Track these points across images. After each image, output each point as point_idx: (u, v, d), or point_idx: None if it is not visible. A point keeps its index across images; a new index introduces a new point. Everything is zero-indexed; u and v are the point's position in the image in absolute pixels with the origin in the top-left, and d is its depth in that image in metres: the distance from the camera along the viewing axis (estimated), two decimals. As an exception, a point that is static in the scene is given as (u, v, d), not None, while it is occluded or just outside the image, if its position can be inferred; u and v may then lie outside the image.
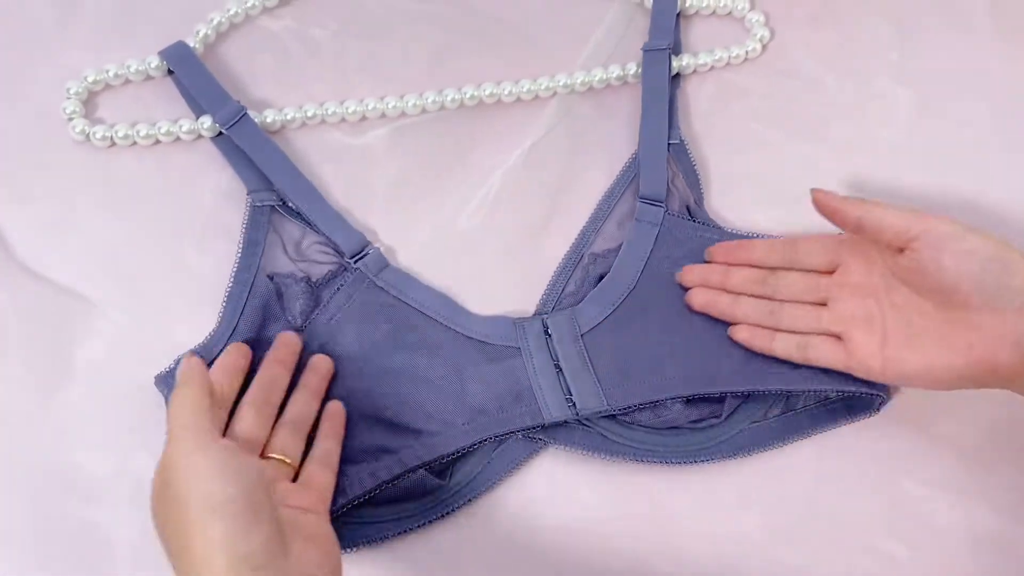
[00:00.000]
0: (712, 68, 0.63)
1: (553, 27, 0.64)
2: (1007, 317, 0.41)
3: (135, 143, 0.58)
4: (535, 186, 0.59)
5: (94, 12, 0.62)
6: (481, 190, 0.58)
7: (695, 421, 0.50)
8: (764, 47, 0.64)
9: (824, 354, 0.48)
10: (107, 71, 0.59)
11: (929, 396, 0.49)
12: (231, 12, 0.61)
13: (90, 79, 0.58)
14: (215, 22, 0.61)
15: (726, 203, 0.58)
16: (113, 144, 0.58)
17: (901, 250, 0.45)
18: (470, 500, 0.49)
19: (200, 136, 0.58)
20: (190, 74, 0.59)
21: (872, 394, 0.49)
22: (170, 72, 0.60)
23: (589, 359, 0.50)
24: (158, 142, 0.58)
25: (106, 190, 0.57)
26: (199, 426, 0.40)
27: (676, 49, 0.63)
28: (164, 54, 0.59)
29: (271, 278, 0.52)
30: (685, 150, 0.58)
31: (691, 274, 0.52)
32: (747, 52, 0.63)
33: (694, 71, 0.63)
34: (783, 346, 0.49)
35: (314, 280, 0.53)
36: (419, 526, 0.48)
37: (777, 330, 0.50)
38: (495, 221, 0.57)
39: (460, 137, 0.60)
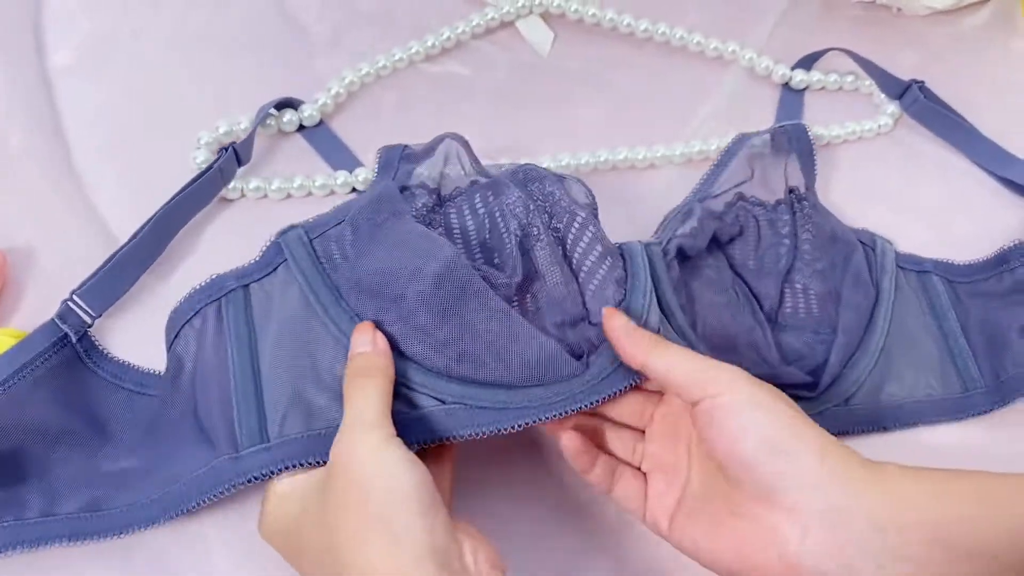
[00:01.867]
0: (844, 142, 0.62)
1: (665, 93, 0.64)
2: (776, 514, 0.35)
3: (266, 196, 0.56)
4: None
5: (222, 76, 0.62)
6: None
7: (787, 387, 0.44)
8: (895, 122, 0.63)
9: (627, 490, 0.43)
10: (239, 123, 0.57)
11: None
12: (347, 80, 0.61)
13: (221, 130, 0.57)
14: (333, 91, 0.60)
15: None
16: (243, 196, 0.56)
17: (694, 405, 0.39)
18: (608, 395, 0.42)
19: (333, 192, 0.57)
20: (322, 136, 0.59)
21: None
22: (301, 128, 0.59)
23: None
24: (289, 196, 0.57)
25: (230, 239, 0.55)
26: (384, 424, 0.38)
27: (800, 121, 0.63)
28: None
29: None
30: (806, 132, 0.58)
31: None
32: (879, 127, 0.63)
33: (827, 143, 0.62)
34: (598, 471, 0.43)
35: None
36: (555, 416, 0.41)
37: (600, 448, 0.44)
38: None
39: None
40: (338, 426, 0.39)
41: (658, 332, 0.43)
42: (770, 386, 0.39)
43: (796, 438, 0.36)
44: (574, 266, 0.45)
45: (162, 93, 0.60)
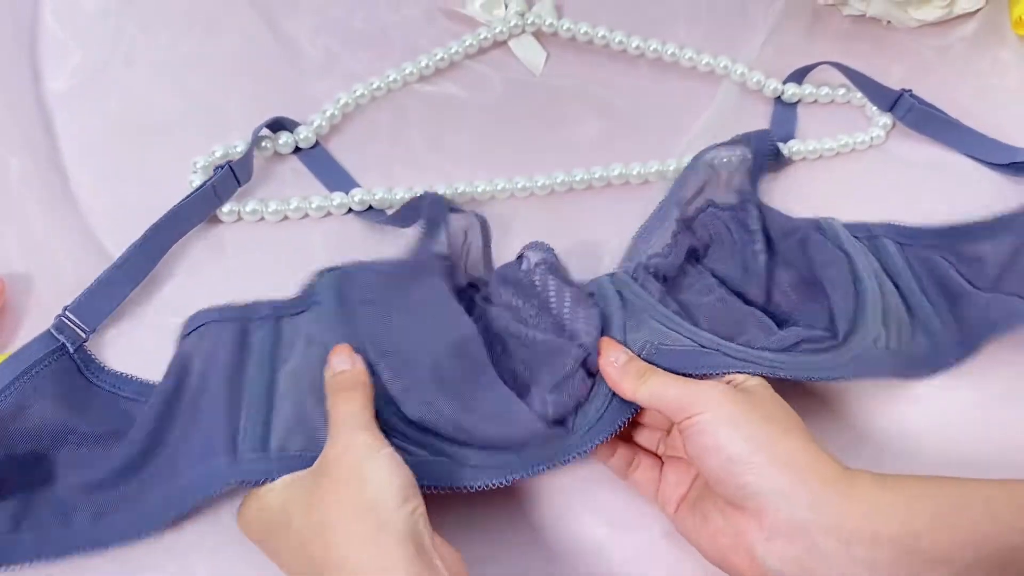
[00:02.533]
0: (838, 154, 0.63)
1: (658, 109, 0.64)
2: (745, 519, 0.39)
3: (263, 219, 0.57)
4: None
5: (217, 101, 0.62)
6: (589, 272, 0.56)
7: (811, 341, 0.47)
8: (887, 134, 0.64)
9: (642, 479, 0.46)
10: (235, 147, 0.58)
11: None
12: (342, 102, 0.61)
13: (217, 154, 0.57)
14: (328, 113, 0.61)
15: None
16: (240, 219, 0.57)
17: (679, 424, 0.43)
18: (596, 444, 0.45)
19: (329, 213, 0.57)
20: (317, 157, 0.59)
21: None
22: (297, 150, 0.60)
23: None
24: (286, 218, 0.57)
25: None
26: (375, 429, 0.41)
27: (792, 135, 0.63)
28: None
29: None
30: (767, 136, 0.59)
31: None
32: (872, 139, 0.63)
33: (820, 156, 0.62)
34: (617, 460, 0.47)
35: None
36: (544, 470, 0.44)
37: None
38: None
39: (571, 218, 0.59)
40: None
41: (645, 348, 0.46)
42: (752, 400, 0.41)
43: (764, 451, 0.39)
44: (554, 317, 0.48)
45: (157, 118, 0.60)
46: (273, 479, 0.41)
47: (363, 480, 0.38)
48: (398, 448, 0.41)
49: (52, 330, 0.48)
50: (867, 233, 0.56)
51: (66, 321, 0.49)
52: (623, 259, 0.54)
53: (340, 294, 0.48)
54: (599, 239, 0.58)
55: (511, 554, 0.46)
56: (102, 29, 0.64)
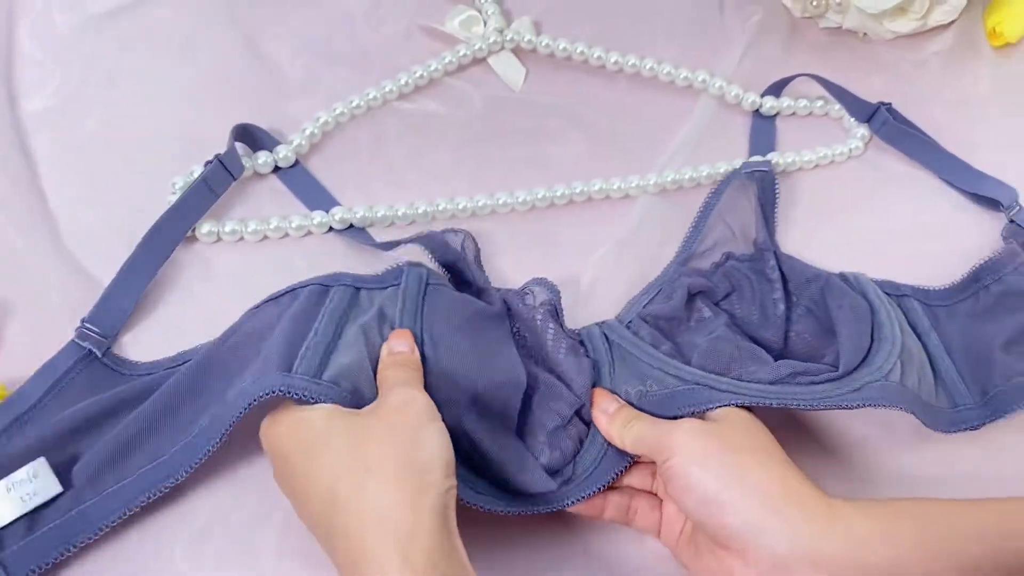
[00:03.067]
0: (817, 166, 0.63)
1: (637, 123, 0.65)
2: (732, 561, 0.39)
3: (242, 239, 0.56)
4: (623, 284, 0.57)
5: (196, 120, 0.62)
6: (571, 288, 0.56)
7: (806, 374, 0.47)
8: (865, 145, 0.64)
9: (645, 521, 0.46)
10: (214, 167, 0.57)
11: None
12: (321, 121, 0.61)
13: (196, 174, 0.57)
14: (308, 132, 0.60)
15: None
16: (219, 239, 0.56)
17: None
18: (592, 493, 0.45)
19: (310, 232, 0.57)
20: (297, 176, 0.59)
21: None
22: (276, 169, 0.59)
23: None
24: (266, 238, 0.57)
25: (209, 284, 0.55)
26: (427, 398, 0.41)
27: (772, 147, 0.63)
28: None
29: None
30: (773, 181, 0.59)
31: None
32: (850, 150, 0.63)
33: (799, 168, 0.63)
34: (611, 511, 0.46)
35: None
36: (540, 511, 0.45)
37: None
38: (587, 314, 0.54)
39: (553, 234, 0.60)
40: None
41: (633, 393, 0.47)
42: (721, 431, 0.42)
43: (736, 487, 0.39)
44: (551, 362, 0.49)
45: (136, 138, 0.60)
46: (317, 399, 0.41)
47: (417, 441, 0.38)
48: None
49: (76, 340, 0.49)
50: (896, 291, 0.56)
51: (86, 331, 0.50)
52: (622, 311, 0.54)
53: (422, 288, 0.49)
54: (580, 255, 0.58)
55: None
56: (79, 49, 0.64)
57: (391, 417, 0.39)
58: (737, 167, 0.61)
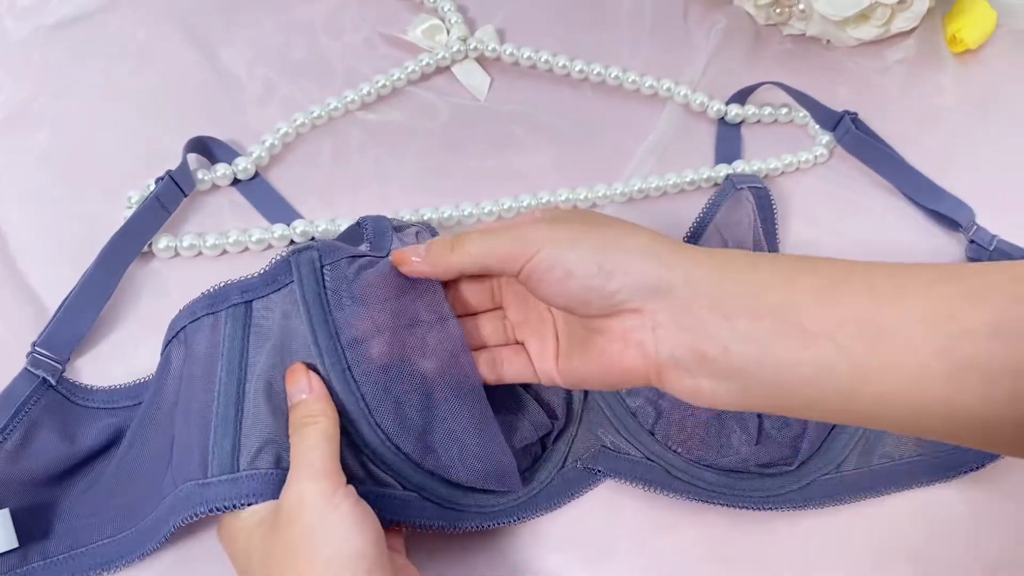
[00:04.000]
0: (783, 173, 0.63)
1: (602, 132, 0.64)
2: (626, 320, 0.37)
3: (200, 253, 0.55)
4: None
5: (152, 133, 0.60)
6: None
7: (763, 465, 0.47)
8: (831, 152, 0.64)
9: (515, 368, 0.44)
10: (171, 180, 0.56)
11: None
12: (281, 131, 0.60)
13: (152, 187, 0.55)
14: (268, 143, 0.59)
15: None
16: (177, 255, 0.55)
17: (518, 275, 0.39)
18: (535, 514, 0.47)
19: (270, 246, 0.56)
20: (257, 189, 0.58)
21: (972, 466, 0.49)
22: (236, 182, 0.58)
23: None
24: (225, 252, 0.55)
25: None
26: (333, 472, 0.38)
27: (738, 155, 0.63)
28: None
29: None
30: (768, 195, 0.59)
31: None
32: (815, 157, 0.63)
33: (765, 175, 0.63)
34: (483, 371, 0.43)
35: None
36: (491, 526, 0.44)
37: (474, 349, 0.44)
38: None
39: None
40: None
41: (592, 450, 0.49)
42: (575, 220, 0.39)
43: (618, 253, 0.37)
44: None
45: (90, 152, 0.59)
46: (243, 504, 0.38)
47: (314, 545, 0.36)
48: (371, 478, 0.41)
49: (28, 367, 0.47)
50: None
51: (38, 356, 0.48)
52: None
53: (319, 277, 0.43)
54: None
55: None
56: (29, 60, 0.62)
57: (288, 524, 0.37)
58: (721, 178, 0.61)
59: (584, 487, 0.48)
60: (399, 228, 0.49)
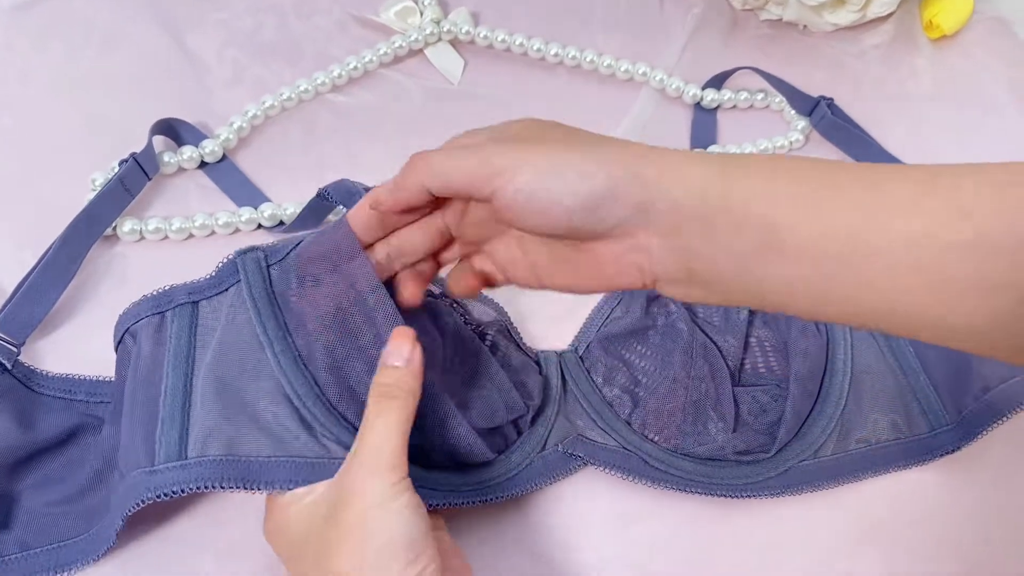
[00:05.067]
0: (758, 158, 0.63)
1: (577, 116, 0.63)
2: (618, 243, 0.35)
3: (167, 237, 0.54)
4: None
5: (118, 116, 0.59)
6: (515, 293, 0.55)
7: (741, 453, 0.47)
8: (806, 137, 0.64)
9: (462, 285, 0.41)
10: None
11: None
12: (250, 114, 0.59)
13: (116, 170, 0.54)
14: (235, 125, 0.58)
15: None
16: (142, 239, 0.54)
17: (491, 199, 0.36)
18: (511, 494, 0.45)
19: (238, 230, 0.55)
20: (225, 172, 0.57)
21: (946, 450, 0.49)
22: (203, 164, 0.57)
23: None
24: (192, 236, 0.54)
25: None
26: (399, 464, 0.36)
27: (713, 140, 0.63)
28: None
29: None
30: None
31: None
32: (791, 143, 0.63)
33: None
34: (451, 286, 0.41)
35: None
36: (460, 504, 0.43)
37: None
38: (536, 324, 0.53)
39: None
40: (265, 457, 0.38)
41: (570, 437, 0.47)
42: (548, 137, 0.36)
43: (607, 178, 0.34)
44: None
45: (54, 137, 0.57)
46: (193, 488, 0.37)
47: (368, 533, 0.35)
48: (326, 450, 0.39)
49: None
50: None
51: None
52: (579, 331, 0.52)
53: (266, 276, 0.42)
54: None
55: None
56: (-9, 43, 0.60)
57: (344, 510, 0.36)
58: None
59: (564, 472, 0.47)
60: (368, 189, 0.48)
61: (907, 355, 0.53)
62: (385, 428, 0.37)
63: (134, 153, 0.53)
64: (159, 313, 0.43)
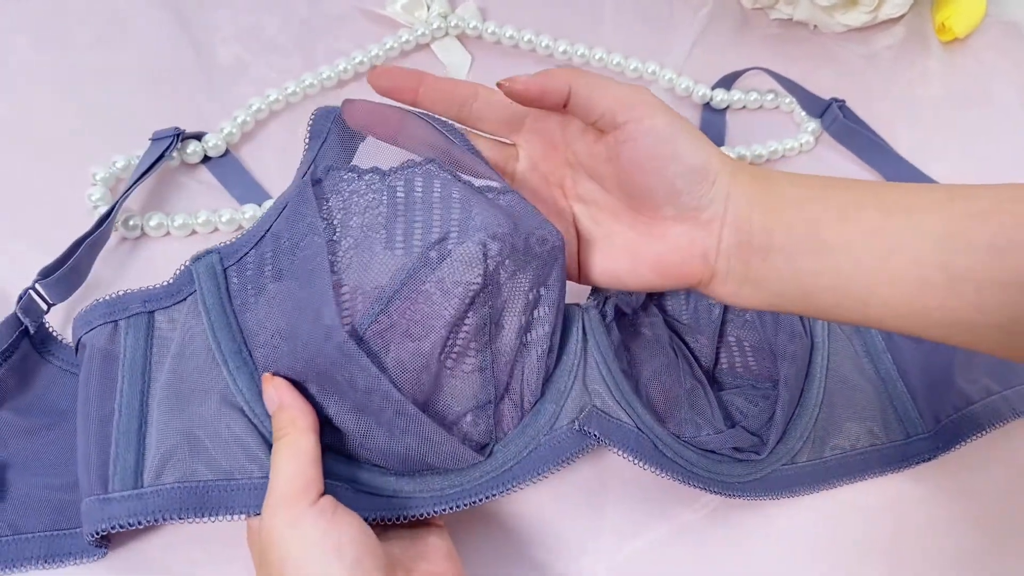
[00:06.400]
0: (768, 160, 0.62)
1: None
2: (695, 230, 0.38)
3: (168, 234, 0.53)
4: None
5: (121, 109, 0.58)
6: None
7: (736, 450, 0.46)
8: (816, 140, 0.63)
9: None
10: (137, 156, 0.54)
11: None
12: (254, 108, 0.58)
13: (119, 165, 0.53)
14: (239, 120, 0.57)
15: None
16: (143, 235, 0.53)
17: (603, 132, 0.39)
18: (511, 488, 0.41)
19: (241, 228, 0.54)
20: (228, 167, 0.56)
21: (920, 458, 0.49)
22: (206, 159, 0.56)
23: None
24: (194, 232, 0.53)
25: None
26: (298, 493, 0.35)
27: (722, 141, 0.62)
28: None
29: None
30: None
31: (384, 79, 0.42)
32: (801, 145, 0.62)
33: (749, 163, 0.61)
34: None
35: None
36: (450, 510, 0.40)
37: None
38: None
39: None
40: (224, 480, 0.37)
41: (586, 411, 0.42)
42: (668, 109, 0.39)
43: (716, 160, 0.37)
44: (500, 342, 0.41)
45: (53, 130, 0.56)
46: (148, 521, 0.37)
47: (295, 568, 0.34)
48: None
49: (19, 312, 0.45)
50: None
51: (33, 295, 0.45)
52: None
53: (222, 282, 0.41)
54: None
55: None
56: (-10, 32, 0.59)
57: (269, 559, 0.35)
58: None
59: (575, 453, 0.42)
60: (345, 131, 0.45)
61: (884, 361, 0.52)
62: (276, 468, 0.36)
63: (180, 131, 0.53)
64: (112, 322, 0.42)
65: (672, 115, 0.38)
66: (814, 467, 0.48)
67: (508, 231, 0.38)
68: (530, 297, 0.40)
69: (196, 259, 0.42)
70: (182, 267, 0.42)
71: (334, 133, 0.44)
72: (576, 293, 0.45)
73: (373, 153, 0.43)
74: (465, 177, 0.41)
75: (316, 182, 0.41)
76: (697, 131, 0.38)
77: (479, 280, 0.38)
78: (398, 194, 0.40)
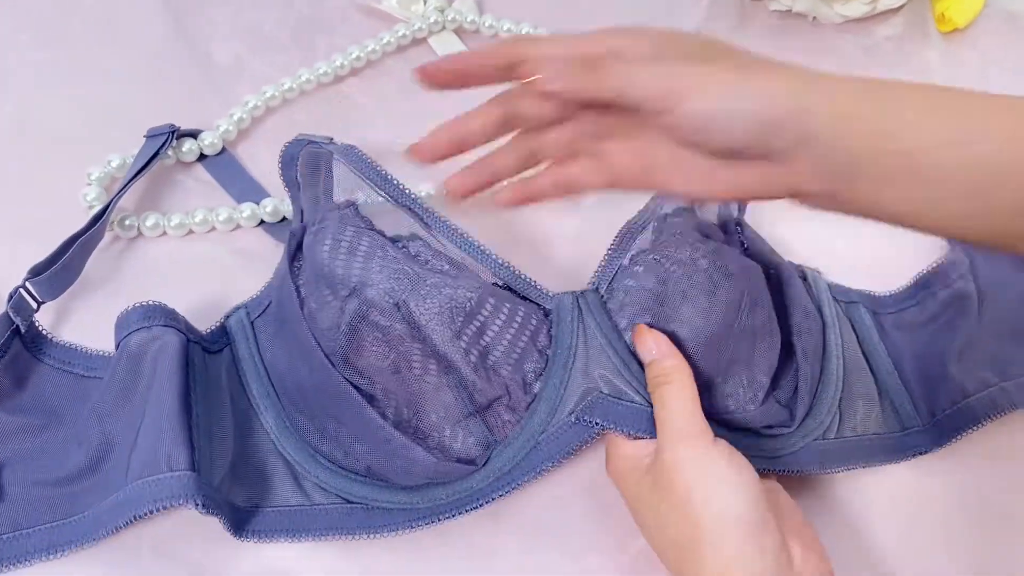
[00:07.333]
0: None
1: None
2: (767, 167, 0.37)
3: (165, 233, 0.52)
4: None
5: (116, 108, 0.57)
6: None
7: (766, 427, 0.45)
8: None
9: (587, 174, 0.41)
10: (133, 155, 0.53)
11: None
12: (251, 105, 0.57)
13: (114, 164, 0.53)
14: (236, 117, 0.57)
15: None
16: (139, 235, 0.52)
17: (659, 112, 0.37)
18: (511, 489, 0.43)
19: (239, 226, 0.53)
20: (224, 165, 0.56)
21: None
22: (202, 157, 0.55)
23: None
24: (191, 232, 0.53)
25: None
26: (700, 431, 0.39)
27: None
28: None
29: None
30: None
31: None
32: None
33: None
34: (543, 182, 0.41)
35: None
36: (450, 517, 0.43)
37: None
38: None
39: (500, 222, 0.57)
40: (258, 506, 0.42)
41: (588, 399, 0.43)
42: (719, 54, 0.38)
43: (777, 108, 0.35)
44: (487, 346, 0.43)
45: (49, 129, 0.56)
46: (205, 507, 0.38)
47: (699, 514, 0.37)
48: (310, 496, 0.43)
49: (10, 311, 0.45)
50: (846, 297, 0.53)
51: (24, 294, 0.45)
52: (600, 266, 0.47)
53: (251, 334, 0.46)
54: (532, 243, 0.55)
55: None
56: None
57: (670, 494, 0.39)
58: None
59: (578, 445, 0.43)
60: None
61: (879, 353, 0.52)
62: (669, 409, 0.40)
63: (175, 129, 0.53)
64: (174, 329, 0.44)
65: (717, 83, 0.36)
66: (842, 444, 0.47)
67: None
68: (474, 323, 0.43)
69: (228, 316, 0.47)
70: (217, 323, 0.47)
71: (304, 174, 0.49)
72: (572, 282, 0.45)
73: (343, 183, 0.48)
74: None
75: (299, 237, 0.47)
76: (752, 82, 0.36)
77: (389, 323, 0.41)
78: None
